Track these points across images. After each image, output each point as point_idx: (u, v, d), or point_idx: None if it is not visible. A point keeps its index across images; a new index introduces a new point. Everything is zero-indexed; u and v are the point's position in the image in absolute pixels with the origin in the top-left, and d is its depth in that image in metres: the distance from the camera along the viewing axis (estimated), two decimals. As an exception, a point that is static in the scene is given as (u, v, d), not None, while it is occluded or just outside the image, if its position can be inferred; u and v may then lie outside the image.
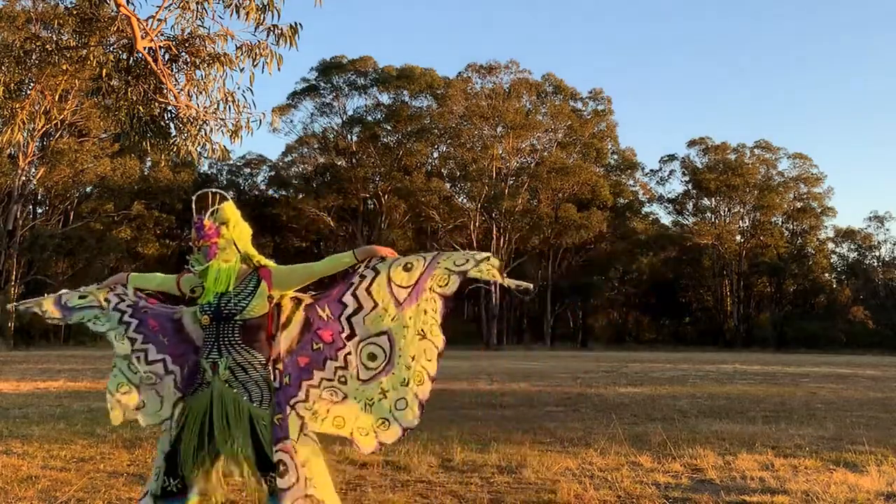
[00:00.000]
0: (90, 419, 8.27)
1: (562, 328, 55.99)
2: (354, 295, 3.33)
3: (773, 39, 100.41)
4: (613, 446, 6.63)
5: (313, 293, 3.46)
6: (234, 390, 3.21)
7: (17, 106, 7.17)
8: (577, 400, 11.37)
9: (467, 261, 3.32)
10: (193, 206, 3.43)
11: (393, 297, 3.30)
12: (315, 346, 3.32)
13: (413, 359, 3.30)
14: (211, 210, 3.38)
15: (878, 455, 6.40)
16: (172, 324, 3.53)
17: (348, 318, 3.31)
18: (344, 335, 3.32)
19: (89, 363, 20.32)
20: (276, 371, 3.28)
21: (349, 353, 3.31)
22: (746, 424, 8.52)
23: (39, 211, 43.70)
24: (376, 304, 3.30)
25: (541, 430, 7.84)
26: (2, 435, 7.11)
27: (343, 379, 3.31)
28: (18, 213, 38.53)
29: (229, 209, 3.40)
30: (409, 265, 3.32)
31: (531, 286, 3.83)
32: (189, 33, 6.94)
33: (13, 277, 37.77)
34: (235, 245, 3.35)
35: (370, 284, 3.32)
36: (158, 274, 3.69)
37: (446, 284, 3.33)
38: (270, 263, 3.43)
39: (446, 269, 3.32)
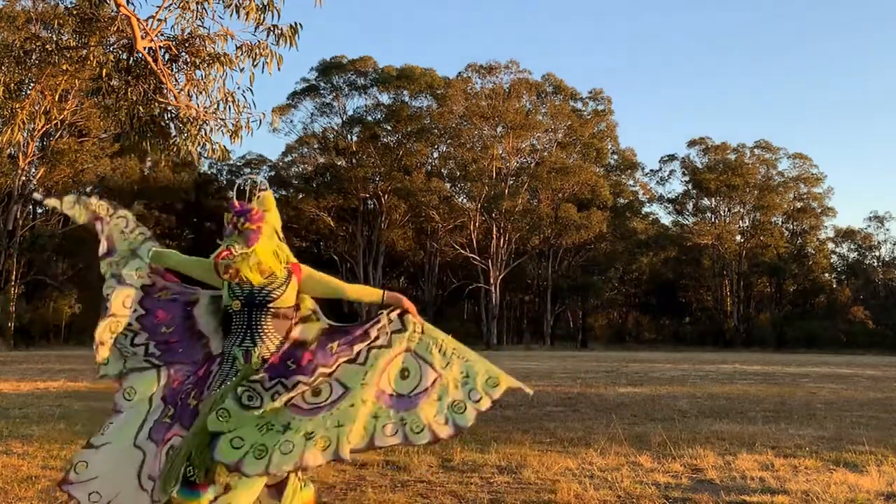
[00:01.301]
0: (90, 419, 8.26)
1: (562, 328, 56.00)
2: (367, 351, 3.26)
3: (773, 39, 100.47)
4: (613, 446, 6.63)
5: (332, 324, 3.40)
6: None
7: (17, 106, 7.17)
8: (577, 400, 11.36)
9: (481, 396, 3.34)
10: (235, 191, 3.40)
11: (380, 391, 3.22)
12: (290, 365, 3.21)
13: (355, 405, 3.15)
14: (256, 196, 3.34)
15: (878, 455, 6.40)
16: (184, 312, 3.46)
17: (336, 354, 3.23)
18: (319, 370, 3.19)
19: (89, 363, 20.28)
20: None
21: (302, 384, 3.14)
22: (746, 424, 8.52)
23: (39, 211, 43.69)
24: (364, 363, 3.23)
25: (541, 430, 7.84)
26: (2, 435, 7.11)
27: (275, 396, 3.12)
28: (18, 213, 38.52)
29: (271, 198, 3.38)
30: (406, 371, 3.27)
31: (531, 392, 3.66)
32: (189, 33, 6.93)
33: (13, 277, 37.77)
34: (277, 234, 3.35)
35: (381, 348, 3.26)
36: (176, 253, 3.54)
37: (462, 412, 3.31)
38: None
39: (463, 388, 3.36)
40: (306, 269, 3.41)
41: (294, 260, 3.41)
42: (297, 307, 3.35)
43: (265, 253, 3.26)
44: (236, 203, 3.30)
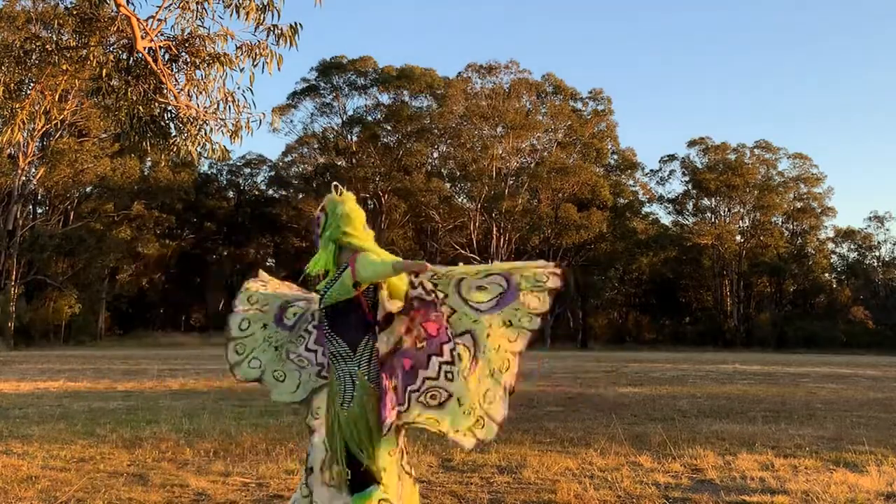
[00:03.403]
0: (90, 419, 8.27)
1: (562, 328, 55.93)
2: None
3: (773, 39, 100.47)
4: (613, 446, 6.63)
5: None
6: (335, 382, 3.33)
7: (17, 106, 7.16)
8: (577, 400, 11.36)
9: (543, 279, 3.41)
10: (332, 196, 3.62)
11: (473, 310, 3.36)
12: (419, 345, 3.30)
13: (497, 349, 3.33)
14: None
15: (878, 455, 6.40)
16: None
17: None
18: (448, 330, 3.29)
19: (89, 363, 20.32)
20: (382, 375, 3.33)
21: (454, 349, 3.28)
22: (746, 424, 8.52)
23: (39, 211, 43.67)
24: (454, 310, 3.36)
25: (541, 430, 7.83)
26: (2, 435, 7.11)
27: (450, 375, 3.27)
28: (18, 213, 38.50)
29: (330, 199, 3.48)
30: (482, 287, 3.37)
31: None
32: (189, 33, 6.92)
33: (13, 277, 37.75)
34: (344, 233, 3.39)
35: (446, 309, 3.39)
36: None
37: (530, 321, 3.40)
38: (366, 246, 3.38)
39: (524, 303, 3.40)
40: (360, 256, 3.33)
41: (361, 247, 3.38)
42: (371, 303, 3.36)
43: (322, 256, 3.38)
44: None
